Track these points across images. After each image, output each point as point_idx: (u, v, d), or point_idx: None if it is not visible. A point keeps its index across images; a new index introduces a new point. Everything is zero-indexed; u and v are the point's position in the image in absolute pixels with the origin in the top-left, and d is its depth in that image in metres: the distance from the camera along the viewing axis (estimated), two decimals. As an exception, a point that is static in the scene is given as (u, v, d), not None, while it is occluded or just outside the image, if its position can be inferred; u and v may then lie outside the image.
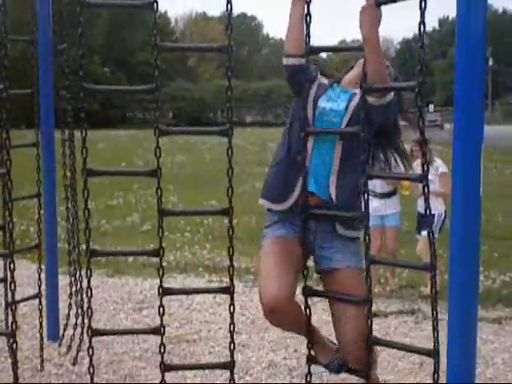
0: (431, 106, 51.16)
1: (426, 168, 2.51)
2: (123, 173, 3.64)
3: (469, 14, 2.15)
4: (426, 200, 2.53)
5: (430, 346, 2.51)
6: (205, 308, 5.72)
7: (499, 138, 25.59)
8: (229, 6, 2.88)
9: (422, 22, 2.51)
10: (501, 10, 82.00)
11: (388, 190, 6.30)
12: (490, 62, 65.07)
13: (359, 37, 2.78)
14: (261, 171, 14.45)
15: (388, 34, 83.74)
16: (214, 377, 4.18)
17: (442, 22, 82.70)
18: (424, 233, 6.18)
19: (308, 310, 3.02)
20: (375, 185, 6.18)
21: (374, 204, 6.11)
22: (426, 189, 2.53)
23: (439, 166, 6.40)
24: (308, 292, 3.04)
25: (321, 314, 5.30)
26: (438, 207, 6.21)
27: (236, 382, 4.07)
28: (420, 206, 6.43)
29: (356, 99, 3.03)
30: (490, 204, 10.00)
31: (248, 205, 10.16)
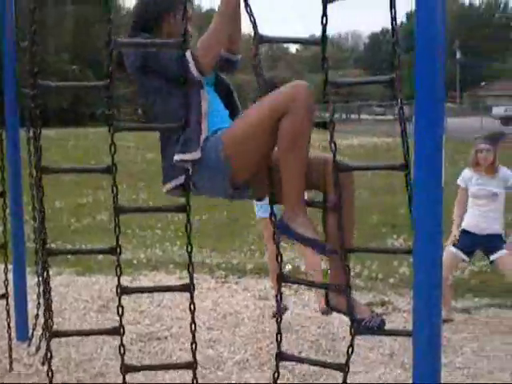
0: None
1: None
2: (78, 170, 3.59)
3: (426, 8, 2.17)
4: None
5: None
6: (175, 305, 5.69)
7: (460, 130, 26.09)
8: None
9: (394, 18, 2.59)
10: (467, 3, 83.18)
11: None
12: (458, 55, 65.84)
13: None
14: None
15: (357, 29, 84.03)
16: (185, 373, 4.15)
17: (410, 16, 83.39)
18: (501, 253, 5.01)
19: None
20: None
21: None
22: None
23: (510, 178, 5.08)
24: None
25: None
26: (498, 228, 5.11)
27: (207, 376, 4.12)
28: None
29: None
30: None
31: (216, 200, 10.13)
